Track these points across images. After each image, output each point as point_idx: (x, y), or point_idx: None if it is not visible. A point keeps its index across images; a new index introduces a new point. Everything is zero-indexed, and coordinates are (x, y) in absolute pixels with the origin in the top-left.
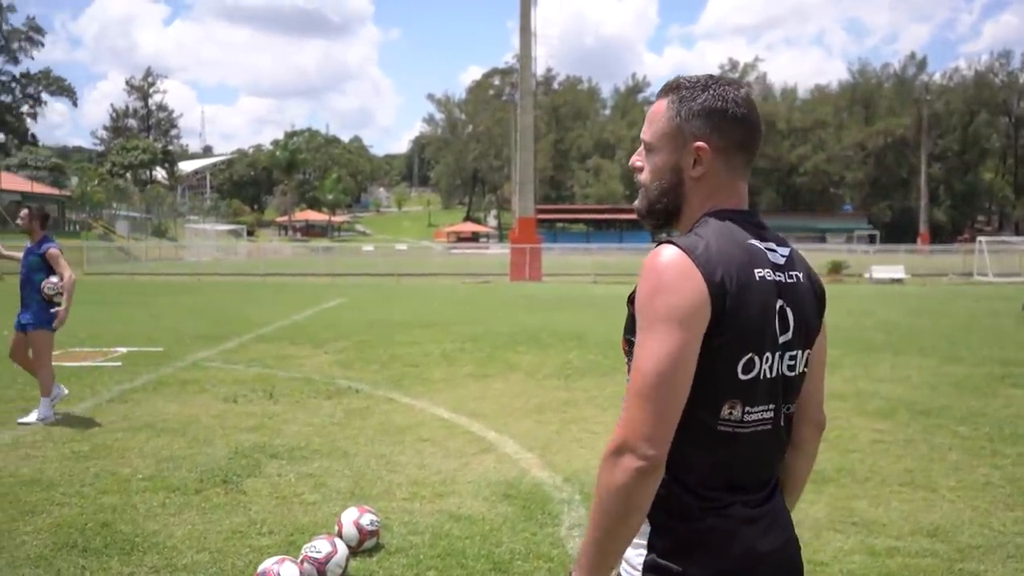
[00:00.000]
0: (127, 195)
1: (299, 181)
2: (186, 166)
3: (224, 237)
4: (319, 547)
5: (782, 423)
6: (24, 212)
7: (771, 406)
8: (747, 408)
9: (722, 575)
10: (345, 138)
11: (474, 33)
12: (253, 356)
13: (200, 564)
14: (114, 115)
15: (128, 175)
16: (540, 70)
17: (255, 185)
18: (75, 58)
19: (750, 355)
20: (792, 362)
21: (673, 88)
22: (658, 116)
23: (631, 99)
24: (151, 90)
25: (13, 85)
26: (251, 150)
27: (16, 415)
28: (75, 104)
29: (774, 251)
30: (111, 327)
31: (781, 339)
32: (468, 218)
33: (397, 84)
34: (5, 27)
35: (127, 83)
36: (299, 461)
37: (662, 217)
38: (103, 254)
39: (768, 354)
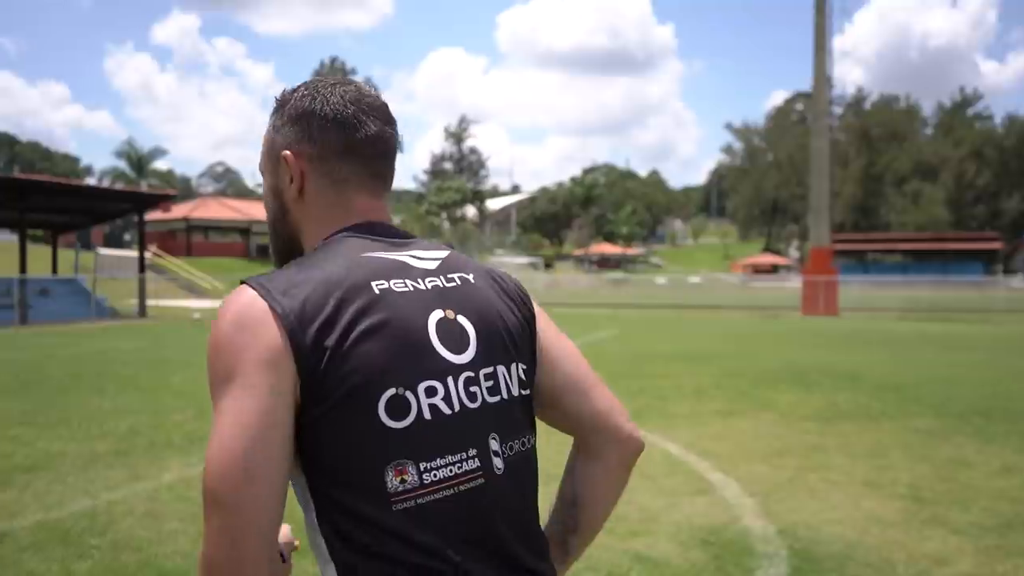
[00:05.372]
0: (438, 232)
1: (595, 215)
2: (493, 204)
3: (523, 269)
4: None
5: (503, 468)
6: None
7: (472, 451)
8: (425, 465)
9: None
10: (644, 171)
11: (779, 57)
12: None
13: None
14: (433, 159)
15: (443, 213)
16: (850, 90)
17: (554, 220)
18: (408, 110)
19: (392, 391)
20: (492, 383)
21: (277, 99)
22: (264, 136)
23: (958, 115)
24: (464, 135)
25: None
26: (554, 187)
27: None
28: (401, 151)
29: (418, 258)
30: None
31: (455, 358)
32: (767, 249)
33: (699, 115)
34: None
35: (444, 130)
36: None
37: (288, 260)
38: None
39: (431, 383)
